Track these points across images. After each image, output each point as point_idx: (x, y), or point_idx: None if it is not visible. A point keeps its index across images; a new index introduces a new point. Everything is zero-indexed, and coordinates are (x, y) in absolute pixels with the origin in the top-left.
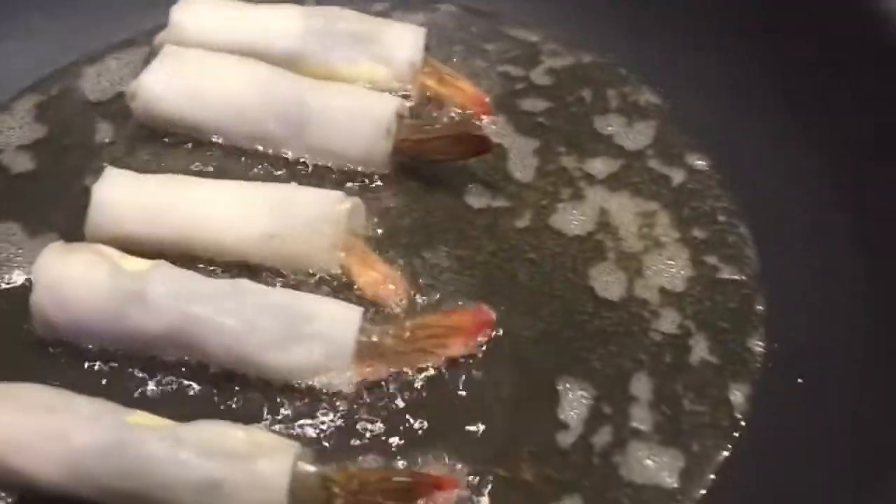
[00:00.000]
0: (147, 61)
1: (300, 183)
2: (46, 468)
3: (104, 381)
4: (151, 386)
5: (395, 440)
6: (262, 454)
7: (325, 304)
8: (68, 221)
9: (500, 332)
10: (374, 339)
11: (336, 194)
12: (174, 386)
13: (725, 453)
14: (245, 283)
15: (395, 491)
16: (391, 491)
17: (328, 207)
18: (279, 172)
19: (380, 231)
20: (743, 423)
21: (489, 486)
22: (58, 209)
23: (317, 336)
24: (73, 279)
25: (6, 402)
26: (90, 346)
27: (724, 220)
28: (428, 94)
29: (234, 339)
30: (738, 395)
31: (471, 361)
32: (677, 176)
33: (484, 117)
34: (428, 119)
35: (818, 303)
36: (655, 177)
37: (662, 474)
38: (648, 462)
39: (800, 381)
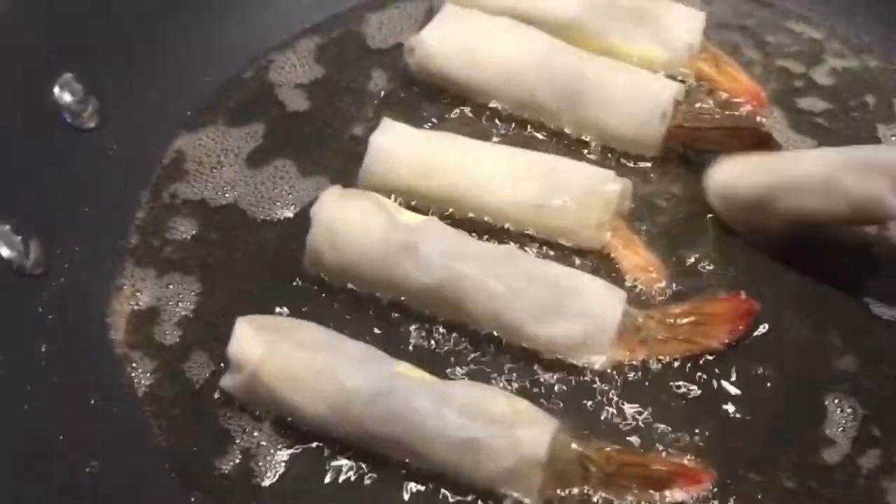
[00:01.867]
0: (428, 15)
1: (562, 155)
2: (314, 404)
3: (365, 326)
4: (408, 337)
5: (644, 426)
6: (523, 423)
7: (591, 281)
8: (338, 165)
9: (765, 330)
10: (637, 322)
11: (608, 173)
12: (431, 341)
13: None
14: (514, 250)
15: (650, 479)
16: (646, 478)
17: (600, 185)
18: (543, 141)
19: (643, 215)
20: None
21: (742, 488)
22: (328, 152)
23: (581, 313)
24: (350, 224)
25: (283, 337)
26: (355, 289)
27: None
28: (701, 80)
29: (499, 304)
30: None
31: (730, 357)
32: None
33: (758, 111)
34: (704, 108)
35: None
36: None
37: None
38: None
39: None
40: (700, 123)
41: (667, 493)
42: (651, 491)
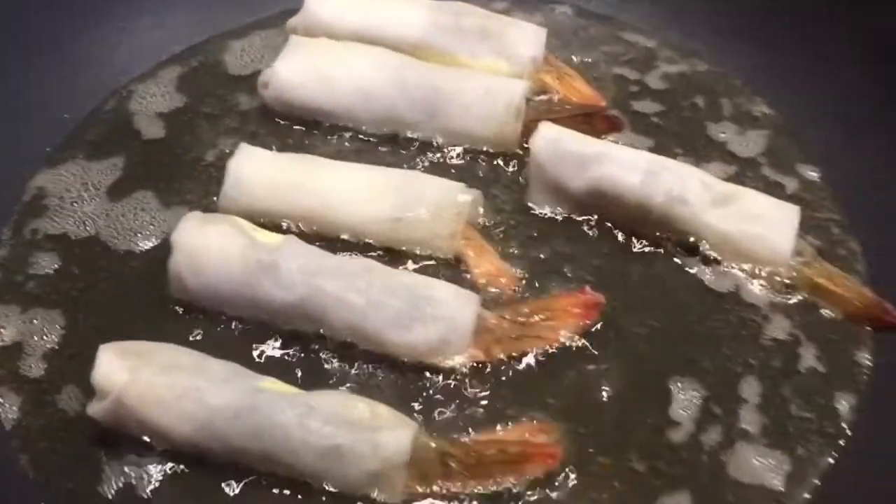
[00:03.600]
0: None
1: (427, 165)
2: (181, 425)
3: (230, 345)
4: (273, 353)
5: (501, 421)
6: (385, 427)
7: (445, 288)
8: (198, 193)
9: (611, 326)
10: (491, 322)
11: (458, 185)
12: (294, 355)
13: (831, 460)
14: (371, 263)
15: (509, 460)
16: (504, 461)
17: (451, 196)
18: (404, 155)
19: (498, 219)
20: (849, 433)
21: (592, 471)
22: (188, 180)
23: (437, 318)
24: (209, 248)
25: (146, 361)
26: (220, 311)
27: (836, 233)
28: (544, 91)
29: (358, 315)
30: (844, 405)
31: (580, 350)
32: (791, 185)
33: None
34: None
35: None
36: (770, 184)
37: (768, 475)
38: (755, 462)
39: None
40: (553, 115)
41: (525, 470)
42: (511, 471)
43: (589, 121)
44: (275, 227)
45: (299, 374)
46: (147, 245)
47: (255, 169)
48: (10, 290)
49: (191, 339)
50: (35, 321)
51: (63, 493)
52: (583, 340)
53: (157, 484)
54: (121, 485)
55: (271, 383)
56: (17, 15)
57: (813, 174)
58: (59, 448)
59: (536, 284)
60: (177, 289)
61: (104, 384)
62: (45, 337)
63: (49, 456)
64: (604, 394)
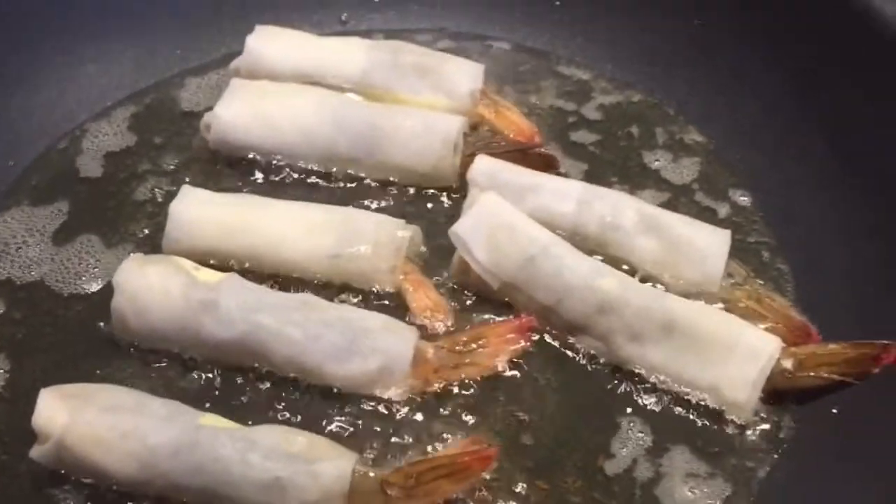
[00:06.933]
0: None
1: (368, 200)
2: (122, 464)
3: (174, 384)
4: (217, 389)
5: (440, 447)
6: (323, 458)
7: (382, 320)
8: (143, 234)
9: (550, 350)
10: (429, 353)
11: (397, 221)
12: (238, 391)
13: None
14: (309, 298)
15: (449, 474)
16: (444, 476)
17: (391, 232)
18: (348, 192)
19: (438, 251)
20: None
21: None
22: (132, 222)
23: (375, 350)
24: (150, 288)
25: (87, 403)
26: (164, 350)
27: (766, 256)
28: (482, 125)
29: (297, 349)
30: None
31: (519, 374)
32: (722, 210)
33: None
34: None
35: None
36: (702, 209)
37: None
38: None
39: (834, 411)
40: (491, 150)
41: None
42: (452, 482)
43: (525, 157)
44: (219, 267)
45: (240, 410)
46: (92, 288)
47: (196, 210)
48: None
49: (137, 379)
50: None
51: None
52: (521, 364)
53: None
54: None
55: (213, 419)
56: None
57: (744, 199)
58: (4, 493)
59: (475, 311)
60: (120, 330)
61: (45, 427)
62: None
63: None
64: (543, 420)
